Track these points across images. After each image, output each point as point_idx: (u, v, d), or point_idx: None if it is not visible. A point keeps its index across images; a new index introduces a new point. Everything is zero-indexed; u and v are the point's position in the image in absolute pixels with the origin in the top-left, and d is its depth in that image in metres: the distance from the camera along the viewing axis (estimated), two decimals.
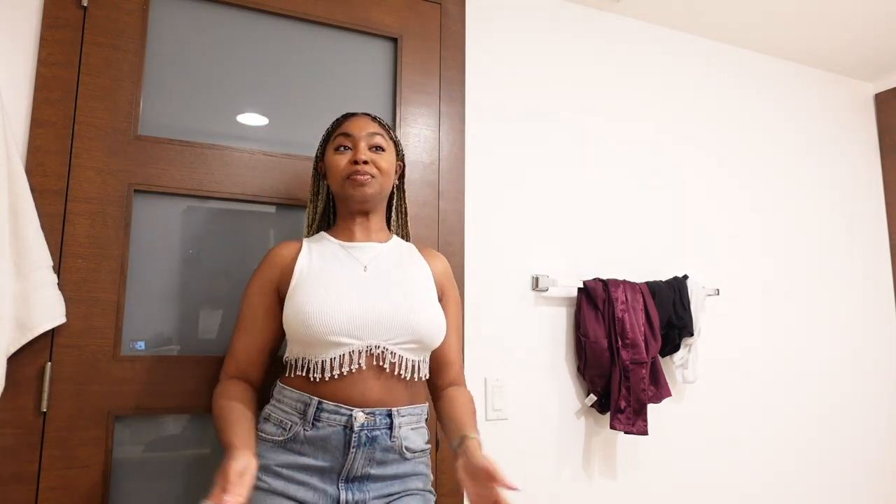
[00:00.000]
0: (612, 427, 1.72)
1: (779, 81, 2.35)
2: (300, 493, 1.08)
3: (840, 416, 2.26)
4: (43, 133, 1.31)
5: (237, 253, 1.48)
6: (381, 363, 1.12)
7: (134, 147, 1.39)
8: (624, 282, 1.83)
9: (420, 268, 1.25)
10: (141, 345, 1.37)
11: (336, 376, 1.10)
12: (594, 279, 1.80)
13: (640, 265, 1.97)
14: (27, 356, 1.25)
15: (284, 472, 1.08)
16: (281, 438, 1.10)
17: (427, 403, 1.23)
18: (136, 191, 1.39)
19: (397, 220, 1.38)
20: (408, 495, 1.13)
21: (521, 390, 1.75)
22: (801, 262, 2.27)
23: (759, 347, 2.14)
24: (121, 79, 1.39)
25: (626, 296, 1.80)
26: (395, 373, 1.13)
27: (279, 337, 1.23)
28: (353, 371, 1.10)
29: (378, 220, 1.28)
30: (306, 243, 1.25)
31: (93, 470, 1.29)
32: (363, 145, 1.21)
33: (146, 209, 1.41)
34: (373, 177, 1.21)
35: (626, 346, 1.75)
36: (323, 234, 1.29)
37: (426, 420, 1.22)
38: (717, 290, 2.00)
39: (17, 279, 1.18)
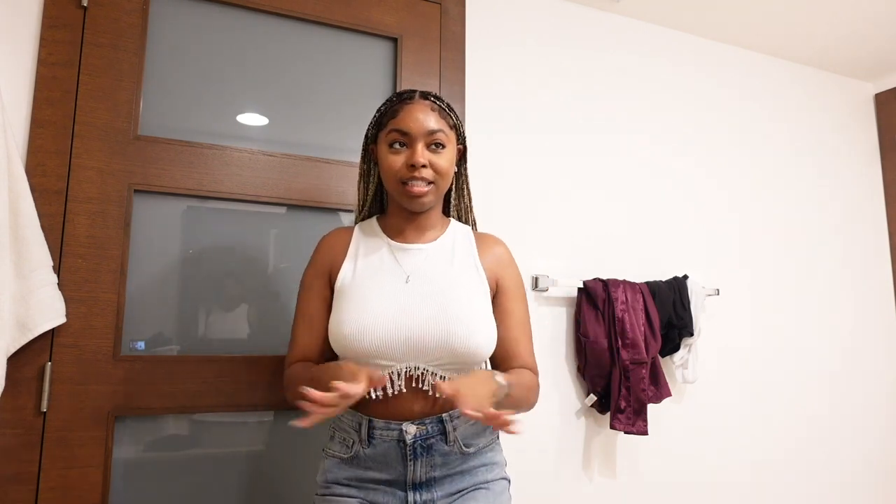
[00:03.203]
0: (612, 427, 1.72)
1: (779, 81, 2.35)
2: (370, 496, 1.07)
3: (840, 415, 2.25)
4: (43, 133, 1.31)
5: (237, 253, 1.48)
6: (420, 385, 1.06)
7: (134, 147, 1.39)
8: (624, 282, 1.83)
9: (470, 271, 1.14)
10: (141, 345, 1.37)
11: (376, 397, 1.06)
12: (594, 279, 1.80)
13: (640, 265, 1.97)
14: (27, 356, 1.25)
15: (354, 483, 1.08)
16: (346, 456, 1.09)
17: None
18: (136, 191, 1.39)
19: (458, 204, 1.25)
20: (474, 490, 1.09)
21: None
22: (802, 262, 2.27)
23: (759, 347, 2.14)
24: (121, 79, 1.39)
25: (626, 296, 1.80)
26: (436, 394, 1.06)
27: None
28: (395, 391, 1.06)
29: (435, 215, 1.18)
30: (356, 235, 1.17)
31: (93, 470, 1.29)
32: (420, 146, 1.08)
33: (146, 209, 1.41)
34: (430, 182, 1.09)
35: (626, 346, 1.75)
36: (374, 223, 1.20)
37: None
38: (717, 290, 2.00)
39: (17, 279, 1.18)
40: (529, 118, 1.88)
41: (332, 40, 1.64)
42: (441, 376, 1.06)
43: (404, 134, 1.09)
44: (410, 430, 1.05)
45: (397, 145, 1.10)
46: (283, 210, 1.54)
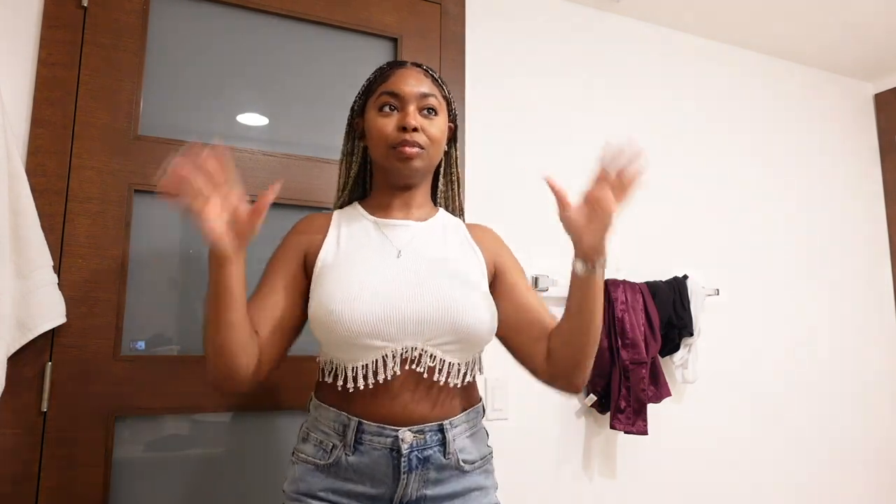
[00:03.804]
0: (612, 427, 1.72)
1: (779, 81, 2.35)
2: None
3: (840, 415, 2.25)
4: (43, 133, 1.31)
5: None
6: (419, 368, 0.95)
7: (134, 147, 1.39)
8: (624, 282, 1.83)
9: (466, 250, 1.07)
10: (141, 345, 1.37)
11: (371, 385, 0.94)
12: None
13: (640, 265, 1.97)
14: (27, 356, 1.25)
15: (332, 497, 0.95)
16: (323, 462, 0.96)
17: (481, 402, 1.07)
18: (136, 191, 1.39)
19: (446, 190, 1.16)
20: None
21: (521, 390, 1.75)
22: (801, 262, 2.27)
23: (758, 347, 2.14)
24: (121, 79, 1.39)
25: (626, 296, 1.80)
26: (437, 379, 0.96)
27: (296, 315, 1.01)
28: (390, 379, 0.94)
29: (422, 194, 1.10)
30: (336, 217, 1.08)
31: (93, 470, 1.29)
32: (413, 108, 1.01)
33: (146, 209, 1.41)
34: (422, 148, 1.01)
35: (626, 346, 1.75)
36: (356, 205, 1.11)
37: (482, 416, 1.08)
38: (717, 290, 2.00)
39: (17, 279, 1.18)
40: (529, 118, 1.88)
41: (332, 40, 1.64)
42: (441, 360, 0.96)
43: (396, 96, 1.02)
44: (407, 437, 0.93)
45: (387, 108, 1.02)
46: (282, 210, 1.54)
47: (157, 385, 1.35)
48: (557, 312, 1.80)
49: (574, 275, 0.94)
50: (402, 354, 0.94)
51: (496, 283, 1.09)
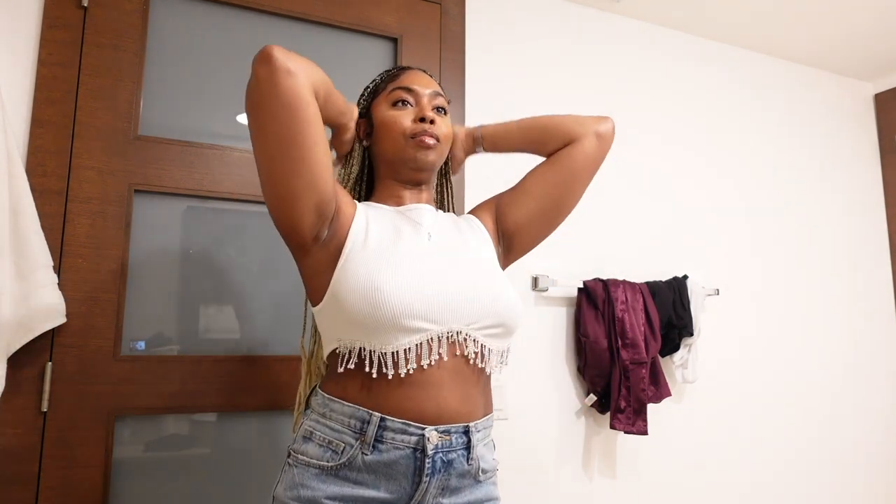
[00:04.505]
0: (612, 427, 1.72)
1: (779, 81, 2.35)
2: None
3: (840, 415, 2.25)
4: (43, 133, 1.31)
5: (237, 253, 1.48)
6: (461, 353, 0.91)
7: (134, 147, 1.39)
8: (624, 282, 1.83)
9: (479, 234, 1.07)
10: (141, 345, 1.37)
11: (412, 371, 0.88)
12: (594, 279, 1.80)
13: (640, 265, 1.97)
14: (27, 356, 1.25)
15: (339, 502, 0.87)
16: (331, 464, 0.87)
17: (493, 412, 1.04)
18: (136, 191, 1.39)
19: (441, 197, 1.18)
20: None
21: (521, 390, 1.75)
22: (801, 262, 2.27)
23: (758, 347, 2.14)
24: (121, 79, 1.39)
25: (626, 296, 1.80)
26: (474, 364, 0.92)
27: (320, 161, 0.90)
28: (426, 368, 0.88)
29: (428, 195, 1.09)
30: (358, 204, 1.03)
31: (93, 470, 1.29)
32: (427, 102, 1.03)
33: (146, 209, 1.41)
34: (438, 140, 1.01)
35: (626, 346, 1.75)
36: (368, 203, 1.07)
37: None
38: (717, 290, 2.00)
39: (17, 279, 1.18)
40: None
41: (332, 40, 1.64)
42: (482, 344, 0.93)
43: (411, 91, 1.03)
44: (433, 437, 0.87)
45: (401, 104, 1.02)
46: None
47: (157, 385, 1.35)
48: (554, 312, 1.82)
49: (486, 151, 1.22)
50: (447, 338, 0.90)
51: (505, 212, 1.12)
